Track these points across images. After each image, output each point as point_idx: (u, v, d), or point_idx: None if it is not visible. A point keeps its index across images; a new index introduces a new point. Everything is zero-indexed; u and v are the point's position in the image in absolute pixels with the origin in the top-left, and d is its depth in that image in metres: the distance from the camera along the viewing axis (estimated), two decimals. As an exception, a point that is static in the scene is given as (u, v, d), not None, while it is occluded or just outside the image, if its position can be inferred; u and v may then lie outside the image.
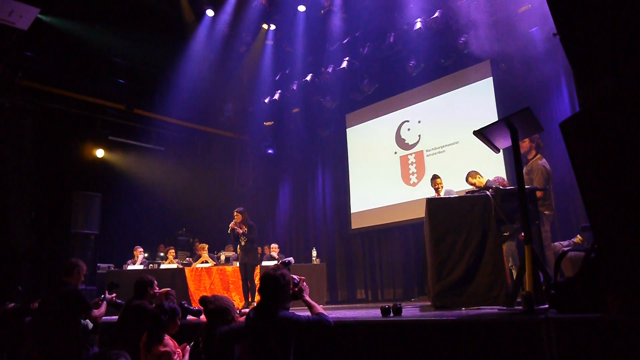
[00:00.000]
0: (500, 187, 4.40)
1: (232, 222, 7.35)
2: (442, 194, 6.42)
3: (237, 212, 7.40)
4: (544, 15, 6.95)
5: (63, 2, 8.44)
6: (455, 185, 6.87)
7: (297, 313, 2.99)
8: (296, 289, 3.17)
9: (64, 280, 4.22)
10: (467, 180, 5.94)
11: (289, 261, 3.51)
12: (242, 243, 7.34)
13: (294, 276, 3.23)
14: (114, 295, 4.62)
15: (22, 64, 8.63)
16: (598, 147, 2.23)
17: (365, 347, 2.97)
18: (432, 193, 6.83)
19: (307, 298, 3.17)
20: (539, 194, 4.68)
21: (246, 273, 7.27)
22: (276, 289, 2.94)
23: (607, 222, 2.22)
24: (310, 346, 3.15)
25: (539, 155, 5.25)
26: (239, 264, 7.56)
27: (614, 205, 2.17)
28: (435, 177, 6.63)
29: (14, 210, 7.47)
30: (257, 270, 7.51)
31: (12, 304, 5.14)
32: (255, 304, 3.79)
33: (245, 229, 7.27)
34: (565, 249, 4.31)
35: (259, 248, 9.15)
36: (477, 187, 5.59)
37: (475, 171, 5.94)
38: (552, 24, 2.70)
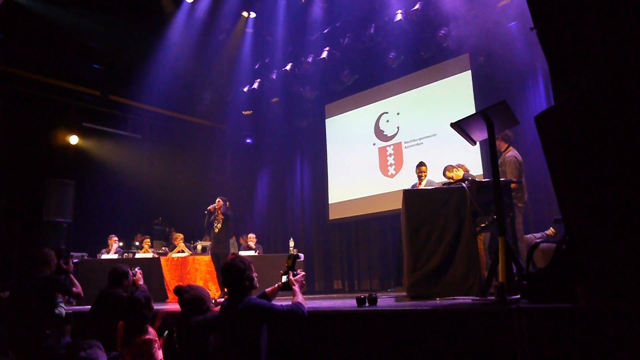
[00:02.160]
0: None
1: (212, 206, 7.38)
2: (423, 183, 6.42)
3: (220, 198, 7.46)
4: (522, 9, 7.02)
5: (35, -17, 8.21)
6: (432, 177, 6.90)
7: (275, 303, 2.99)
8: (292, 278, 3.19)
9: (39, 269, 4.15)
10: (444, 174, 5.96)
11: (296, 255, 3.47)
12: (216, 231, 7.30)
13: (299, 271, 3.29)
14: (66, 262, 4.51)
15: (-8, 46, 8.39)
16: (571, 141, 2.26)
17: (341, 337, 2.99)
18: (409, 184, 6.87)
19: (297, 289, 3.17)
20: (513, 185, 4.75)
21: (219, 264, 7.24)
22: (236, 275, 2.94)
23: (577, 215, 2.27)
24: (285, 336, 3.15)
25: (510, 148, 5.34)
26: (210, 253, 7.55)
27: (585, 198, 2.21)
28: (421, 165, 6.51)
29: (-17, 197, 7.29)
30: None
31: None
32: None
33: (222, 216, 7.29)
34: (538, 240, 4.40)
35: (234, 238, 9.11)
36: (454, 180, 5.63)
37: (451, 165, 5.96)
38: (530, 19, 2.73)
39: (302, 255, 3.51)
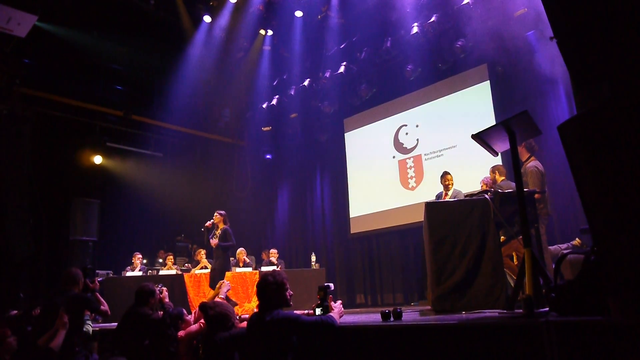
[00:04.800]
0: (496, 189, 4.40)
1: (209, 222, 7.22)
2: (450, 192, 6.37)
3: (217, 213, 7.27)
4: (539, 18, 6.99)
5: (61, 9, 8.46)
6: (457, 187, 6.82)
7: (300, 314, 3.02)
8: (331, 305, 3.26)
9: (68, 287, 4.24)
10: (492, 172, 5.84)
11: (327, 285, 3.44)
12: (214, 246, 7.14)
13: (338, 302, 3.34)
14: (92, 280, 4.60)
15: (20, 71, 8.63)
16: (596, 150, 2.24)
17: (366, 352, 2.97)
18: (430, 197, 6.82)
19: (333, 314, 3.19)
20: (536, 196, 4.69)
21: (213, 279, 7.01)
22: (267, 289, 3.00)
23: (606, 225, 2.23)
24: (310, 351, 3.14)
25: (532, 158, 5.28)
26: (210, 269, 7.37)
27: (613, 207, 2.17)
28: (445, 174, 6.46)
29: (13, 218, 7.45)
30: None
31: (15, 312, 5.13)
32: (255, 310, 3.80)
33: (219, 232, 7.11)
34: (565, 251, 4.31)
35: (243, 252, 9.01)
36: (493, 183, 5.61)
37: (500, 166, 5.82)
38: (548, 28, 2.72)
39: (332, 285, 3.49)
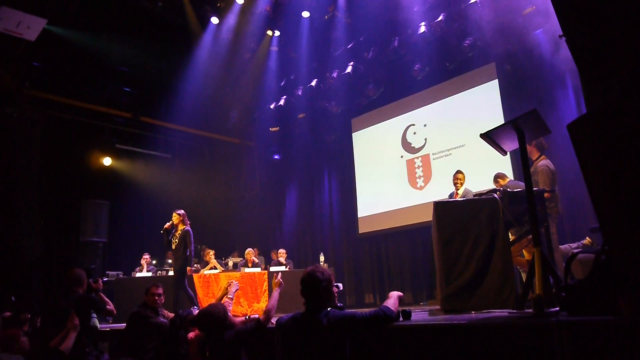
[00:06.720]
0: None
1: (168, 223, 7.01)
2: (460, 191, 6.35)
3: (175, 213, 7.03)
4: (548, 16, 6.95)
5: (70, 12, 8.53)
6: (466, 186, 6.79)
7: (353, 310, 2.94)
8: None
9: (73, 289, 4.26)
10: (495, 181, 5.85)
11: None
12: (173, 247, 6.91)
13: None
14: (96, 280, 4.62)
15: (30, 74, 8.73)
16: (606, 149, 2.22)
17: (375, 352, 2.96)
18: (438, 196, 6.80)
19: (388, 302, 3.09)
20: (546, 195, 4.65)
21: (176, 280, 6.86)
22: (319, 287, 2.83)
23: (617, 224, 2.21)
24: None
25: (542, 157, 5.24)
26: (174, 271, 7.17)
27: (624, 206, 2.16)
28: (457, 172, 6.44)
29: (23, 219, 7.53)
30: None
31: (9, 313, 5.17)
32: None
33: (180, 232, 6.90)
34: (575, 251, 4.28)
35: (236, 253, 8.95)
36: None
37: (504, 174, 5.91)
38: (556, 25, 2.70)
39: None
